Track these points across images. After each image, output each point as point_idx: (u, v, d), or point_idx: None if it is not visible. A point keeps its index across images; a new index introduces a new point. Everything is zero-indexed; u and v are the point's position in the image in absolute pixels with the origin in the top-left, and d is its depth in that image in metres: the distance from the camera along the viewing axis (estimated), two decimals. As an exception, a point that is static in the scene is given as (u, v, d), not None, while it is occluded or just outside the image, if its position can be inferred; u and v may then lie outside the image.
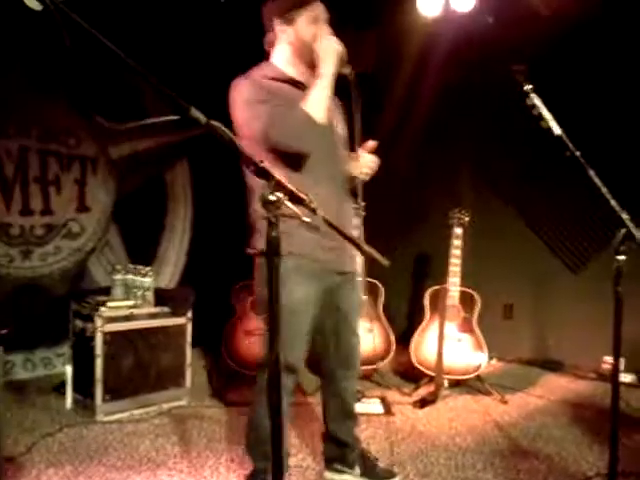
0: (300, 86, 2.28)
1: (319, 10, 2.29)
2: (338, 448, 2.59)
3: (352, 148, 2.42)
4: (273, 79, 2.25)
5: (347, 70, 2.24)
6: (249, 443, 2.45)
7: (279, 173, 2.07)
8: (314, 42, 2.23)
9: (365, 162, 2.38)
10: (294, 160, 2.19)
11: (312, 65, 2.25)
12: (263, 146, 2.14)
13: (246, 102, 2.19)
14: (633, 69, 4.13)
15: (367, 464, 2.62)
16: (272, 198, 1.37)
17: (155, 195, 4.88)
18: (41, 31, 3.44)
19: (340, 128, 2.44)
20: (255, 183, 2.24)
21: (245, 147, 2.20)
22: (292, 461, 2.80)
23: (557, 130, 2.38)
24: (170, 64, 4.19)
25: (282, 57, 2.32)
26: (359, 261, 2.43)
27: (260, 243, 2.25)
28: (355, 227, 2.46)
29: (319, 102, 2.15)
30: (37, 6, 1.15)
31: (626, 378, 4.11)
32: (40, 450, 2.83)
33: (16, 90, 3.96)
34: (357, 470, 2.59)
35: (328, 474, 2.64)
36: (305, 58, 2.28)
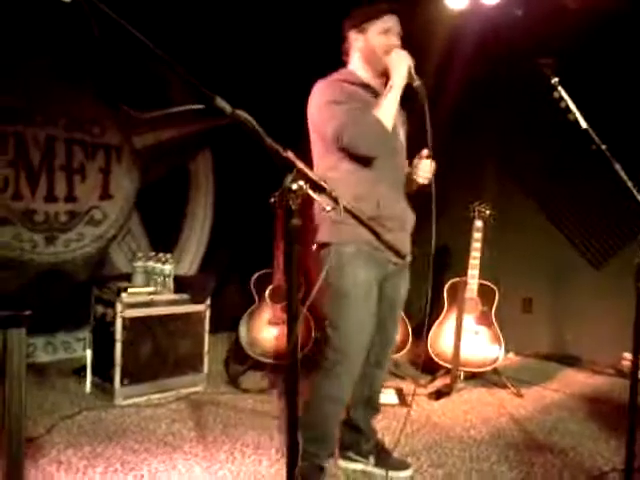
0: (371, 90, 2.46)
1: (391, 23, 2.45)
2: (355, 435, 2.65)
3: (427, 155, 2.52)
4: (349, 82, 2.44)
5: (417, 83, 2.34)
6: (302, 425, 2.49)
7: (346, 169, 2.36)
8: (383, 52, 2.40)
9: (425, 168, 2.50)
10: (361, 160, 2.36)
11: (380, 73, 2.45)
12: (335, 145, 2.32)
13: (325, 103, 2.36)
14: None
15: (381, 454, 2.65)
16: (294, 187, 1.38)
17: (177, 183, 4.92)
18: (69, 21, 3.47)
19: (402, 136, 2.59)
20: (331, 173, 2.35)
21: (319, 145, 2.45)
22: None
23: (583, 123, 2.36)
24: (197, 54, 4.23)
25: (355, 63, 2.51)
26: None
27: (323, 236, 2.42)
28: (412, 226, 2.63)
29: (389, 111, 2.31)
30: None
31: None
32: (60, 432, 2.88)
33: (44, 80, 4.02)
34: (371, 460, 2.64)
35: (342, 462, 2.67)
36: (374, 66, 2.46)
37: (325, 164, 2.41)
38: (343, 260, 2.35)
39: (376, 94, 2.43)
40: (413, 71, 2.34)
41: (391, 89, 2.32)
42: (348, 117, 2.29)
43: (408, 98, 2.43)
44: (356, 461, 2.65)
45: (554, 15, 4.22)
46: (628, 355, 4.08)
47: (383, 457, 2.64)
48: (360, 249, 2.37)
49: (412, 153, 2.59)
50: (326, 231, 2.42)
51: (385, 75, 2.42)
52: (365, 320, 2.40)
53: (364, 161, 2.37)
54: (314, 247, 2.50)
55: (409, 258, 2.59)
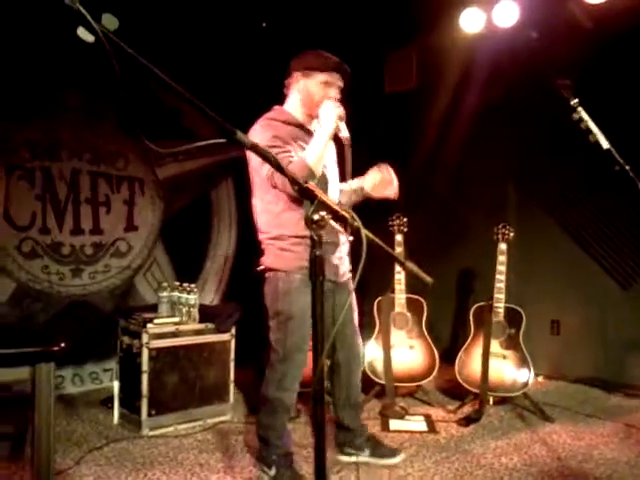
0: (305, 130, 2.70)
1: (334, 78, 2.67)
2: (347, 434, 3.00)
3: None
4: (284, 122, 2.66)
5: (342, 134, 2.55)
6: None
7: (283, 204, 2.59)
8: (318, 101, 2.62)
9: (372, 178, 2.83)
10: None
11: (312, 118, 2.71)
12: (269, 184, 2.58)
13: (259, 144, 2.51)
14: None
15: (374, 446, 3.01)
16: (316, 217, 1.39)
17: (200, 212, 4.98)
18: (94, 58, 3.58)
19: (334, 169, 2.85)
20: (270, 206, 2.69)
21: (258, 183, 2.67)
22: (334, 478, 2.80)
23: (605, 144, 2.34)
24: (212, 83, 4.31)
25: (292, 102, 2.74)
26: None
27: (270, 261, 2.72)
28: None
29: (315, 154, 2.52)
30: (89, 38, 1.21)
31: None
32: (88, 464, 2.90)
33: (70, 115, 4.12)
34: (366, 452, 2.99)
35: (341, 457, 3.01)
36: (308, 110, 2.69)
37: (266, 199, 2.70)
38: (291, 287, 2.64)
39: (310, 133, 2.69)
40: (341, 123, 2.53)
41: (318, 136, 2.56)
42: (275, 162, 2.46)
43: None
44: (353, 454, 2.98)
45: (570, 35, 4.22)
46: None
47: (376, 448, 3.01)
48: (304, 276, 2.59)
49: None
50: (273, 257, 2.70)
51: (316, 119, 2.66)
52: (305, 335, 2.67)
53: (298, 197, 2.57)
54: (258, 269, 2.80)
55: (345, 278, 2.86)
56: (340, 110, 2.56)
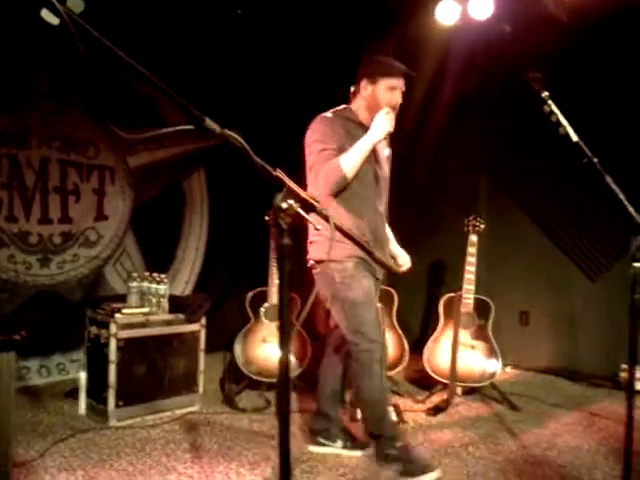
0: (366, 129, 2.75)
1: (400, 83, 2.78)
2: (325, 422, 3.01)
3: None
4: (347, 119, 2.79)
5: (386, 150, 2.83)
6: (370, 424, 2.85)
7: (336, 199, 2.68)
8: (382, 104, 2.73)
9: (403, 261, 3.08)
10: (346, 192, 2.73)
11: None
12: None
13: (313, 141, 2.73)
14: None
15: (346, 438, 3.01)
16: (284, 206, 1.38)
17: (172, 203, 4.93)
18: (60, 43, 3.50)
19: (386, 169, 2.94)
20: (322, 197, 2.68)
21: (308, 167, 2.75)
22: (302, 467, 2.80)
23: (574, 137, 2.37)
24: (187, 72, 4.26)
25: (358, 106, 2.85)
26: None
27: (319, 253, 2.73)
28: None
29: (352, 159, 2.64)
30: (54, 20, 1.18)
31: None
32: (53, 455, 2.85)
33: (39, 102, 4.03)
34: (339, 443, 2.99)
35: (313, 447, 3.00)
36: (373, 114, 2.75)
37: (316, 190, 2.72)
38: (347, 274, 2.69)
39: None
40: (389, 133, 2.70)
41: (362, 142, 2.65)
42: (319, 157, 2.67)
43: None
44: (325, 445, 2.99)
45: (543, 29, 4.26)
46: (625, 367, 4.06)
47: (348, 440, 3.00)
48: (358, 263, 2.71)
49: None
50: (322, 248, 2.70)
51: None
52: (376, 316, 2.75)
53: (348, 193, 2.71)
54: (309, 263, 2.83)
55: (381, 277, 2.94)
56: (392, 125, 2.69)
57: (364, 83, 2.80)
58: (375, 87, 2.77)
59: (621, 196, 2.14)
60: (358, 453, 2.96)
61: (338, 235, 2.52)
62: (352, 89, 2.89)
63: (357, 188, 2.72)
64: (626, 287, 2.05)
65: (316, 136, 2.72)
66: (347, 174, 2.64)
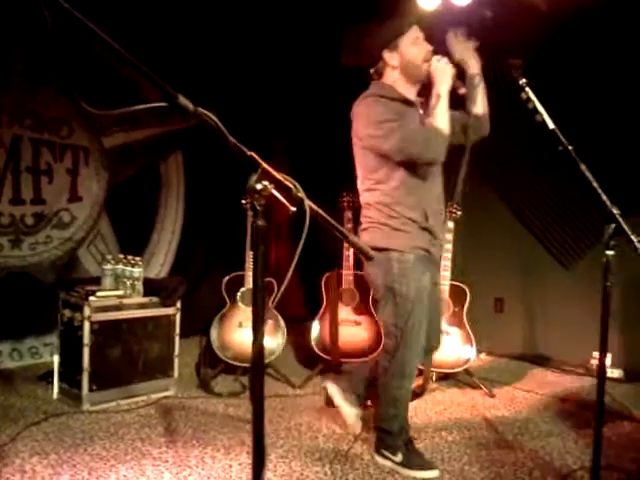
0: (411, 104, 2.61)
1: (416, 32, 2.61)
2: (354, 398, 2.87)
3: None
4: (390, 99, 2.56)
5: (462, 90, 2.55)
6: (381, 420, 2.74)
7: (396, 182, 2.54)
8: (421, 61, 2.55)
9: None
10: (410, 173, 2.56)
11: (418, 81, 2.62)
12: (395, 158, 2.50)
13: (377, 122, 2.51)
14: (631, 64, 4.11)
15: (410, 452, 2.74)
16: (258, 187, 1.35)
17: (148, 185, 4.86)
18: (35, 21, 3.41)
19: None
20: (387, 183, 2.58)
21: (371, 160, 2.59)
22: (278, 452, 2.81)
23: (550, 124, 2.38)
24: (165, 54, 4.19)
25: (392, 79, 2.63)
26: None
27: (379, 241, 2.58)
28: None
29: (443, 117, 2.48)
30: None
31: (613, 373, 4.12)
32: (25, 439, 2.81)
33: (10, 79, 3.93)
34: (399, 457, 2.70)
35: (378, 459, 2.76)
36: (415, 77, 2.61)
37: (375, 177, 2.61)
38: (406, 267, 2.56)
39: (414, 106, 2.61)
40: (455, 76, 2.49)
41: (439, 98, 2.48)
42: (406, 132, 2.45)
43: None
44: (387, 458, 2.73)
45: (523, 16, 4.26)
46: (597, 354, 4.13)
47: (411, 455, 2.72)
48: (418, 255, 2.58)
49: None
50: (383, 237, 2.59)
51: (424, 83, 2.59)
52: (422, 318, 2.61)
53: (412, 174, 2.56)
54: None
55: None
56: (451, 67, 2.51)
57: (387, 54, 2.60)
58: (399, 50, 2.58)
59: (595, 184, 2.15)
60: (420, 474, 2.64)
61: (399, 223, 2.56)
62: (372, 70, 2.70)
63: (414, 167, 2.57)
64: (599, 275, 2.07)
65: (378, 117, 2.51)
66: (446, 130, 2.48)
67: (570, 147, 2.37)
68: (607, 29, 4.13)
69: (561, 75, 4.20)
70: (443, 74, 2.49)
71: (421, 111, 2.67)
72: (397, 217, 2.58)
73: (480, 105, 2.70)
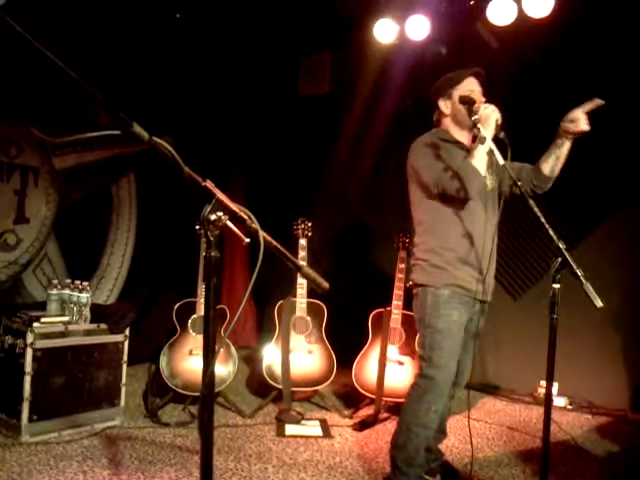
0: (462, 146, 2.76)
1: (472, 84, 2.77)
2: (425, 455, 2.79)
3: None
4: (443, 140, 2.76)
5: (502, 134, 2.56)
6: (394, 447, 2.73)
7: (443, 213, 2.65)
8: (468, 111, 2.63)
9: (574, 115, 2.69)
10: (456, 205, 2.65)
11: (469, 129, 2.76)
12: (433, 191, 2.63)
13: (423, 155, 2.71)
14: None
15: (447, 474, 2.92)
16: (212, 217, 1.34)
17: (99, 208, 4.77)
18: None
19: (491, 181, 2.83)
20: (428, 218, 2.72)
21: (419, 192, 2.73)
22: (227, 485, 2.74)
23: (501, 160, 2.47)
24: (121, 77, 4.15)
25: (448, 125, 2.83)
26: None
27: (419, 277, 2.71)
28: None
29: (481, 159, 2.57)
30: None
31: (559, 402, 4.21)
32: (-42, 473, 2.68)
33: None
34: (437, 478, 2.88)
35: None
36: (462, 124, 2.76)
37: (420, 215, 2.77)
38: (440, 302, 2.63)
39: (466, 149, 2.72)
40: (499, 124, 2.54)
41: (481, 141, 2.55)
42: (445, 167, 2.60)
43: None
44: (423, 478, 2.81)
45: (476, 53, 4.39)
46: (544, 383, 4.21)
47: (448, 476, 2.91)
48: (454, 292, 2.63)
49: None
50: (423, 273, 2.70)
51: (472, 129, 2.70)
52: (453, 353, 2.66)
53: (458, 206, 2.64)
54: (408, 284, 2.93)
55: (490, 298, 2.80)
56: (498, 113, 2.56)
57: (442, 103, 2.81)
58: (452, 100, 2.76)
59: (543, 219, 2.22)
60: None
61: (439, 260, 2.65)
62: (435, 117, 2.89)
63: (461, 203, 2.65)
64: (545, 306, 2.12)
65: (424, 153, 2.70)
66: (481, 171, 2.56)
67: (519, 182, 2.46)
68: (560, 69, 4.29)
69: (517, 105, 4.32)
70: (487, 119, 2.56)
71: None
72: (436, 254, 2.68)
73: (551, 167, 2.76)
